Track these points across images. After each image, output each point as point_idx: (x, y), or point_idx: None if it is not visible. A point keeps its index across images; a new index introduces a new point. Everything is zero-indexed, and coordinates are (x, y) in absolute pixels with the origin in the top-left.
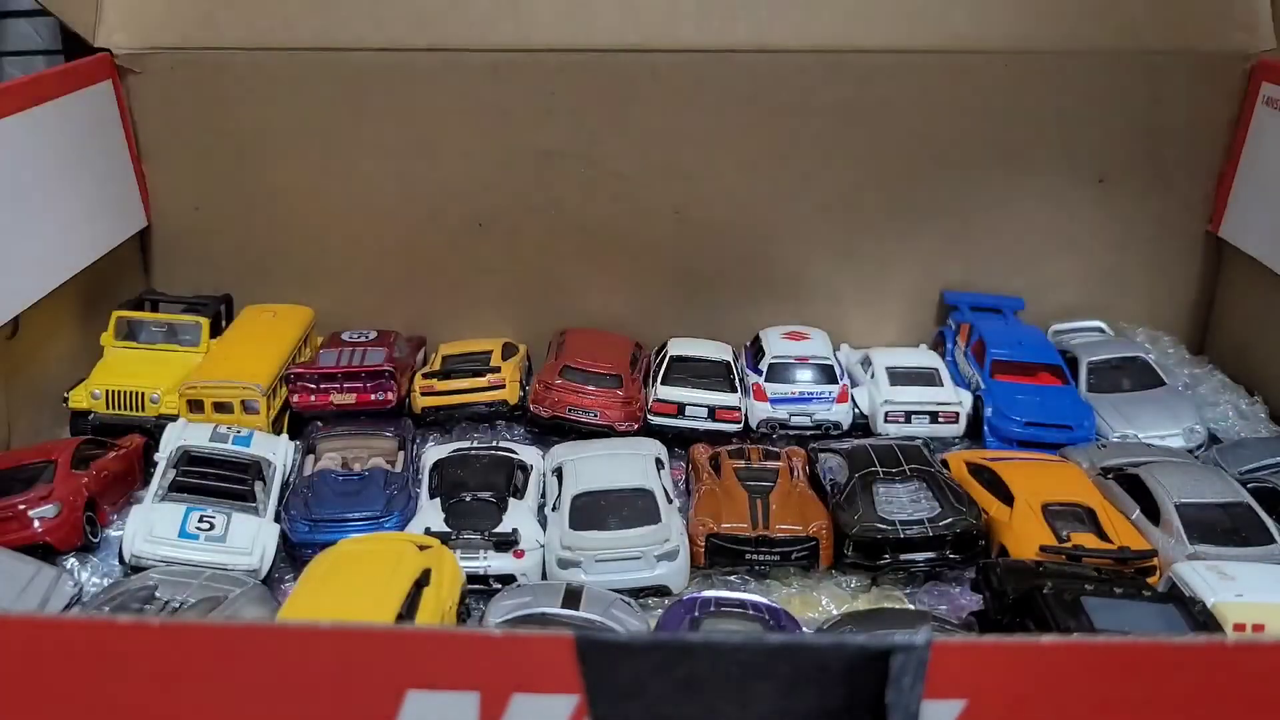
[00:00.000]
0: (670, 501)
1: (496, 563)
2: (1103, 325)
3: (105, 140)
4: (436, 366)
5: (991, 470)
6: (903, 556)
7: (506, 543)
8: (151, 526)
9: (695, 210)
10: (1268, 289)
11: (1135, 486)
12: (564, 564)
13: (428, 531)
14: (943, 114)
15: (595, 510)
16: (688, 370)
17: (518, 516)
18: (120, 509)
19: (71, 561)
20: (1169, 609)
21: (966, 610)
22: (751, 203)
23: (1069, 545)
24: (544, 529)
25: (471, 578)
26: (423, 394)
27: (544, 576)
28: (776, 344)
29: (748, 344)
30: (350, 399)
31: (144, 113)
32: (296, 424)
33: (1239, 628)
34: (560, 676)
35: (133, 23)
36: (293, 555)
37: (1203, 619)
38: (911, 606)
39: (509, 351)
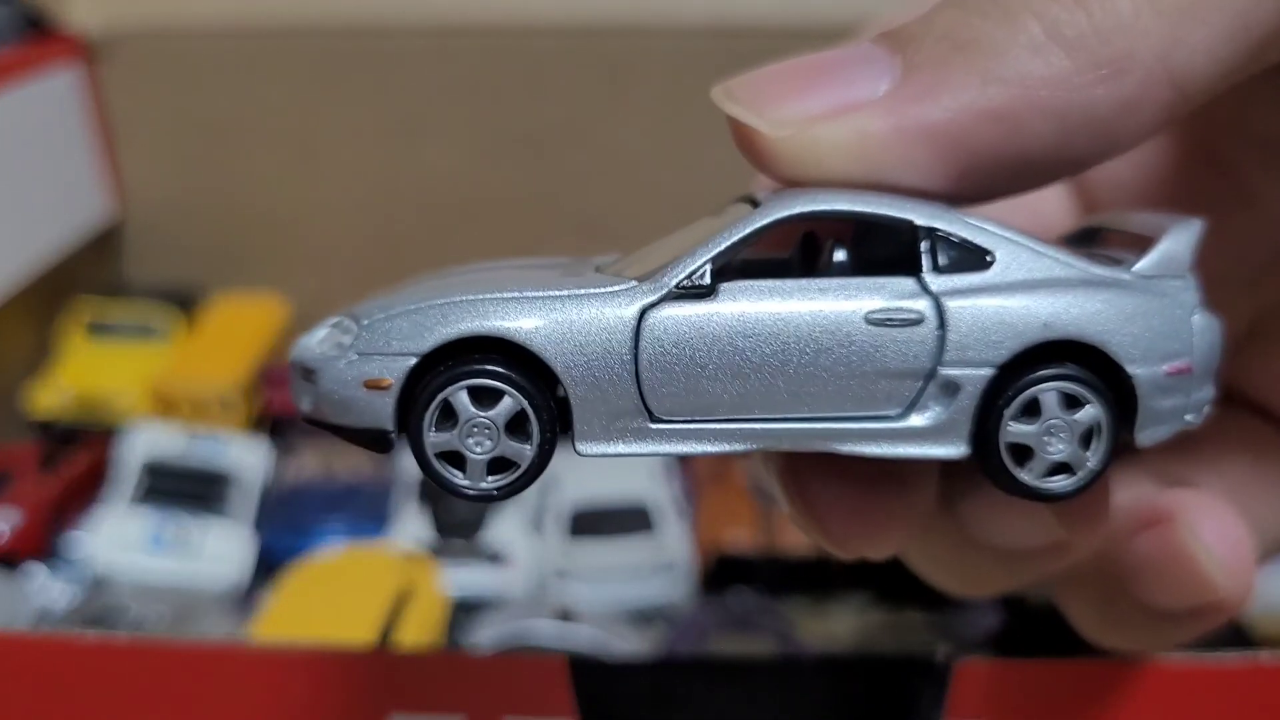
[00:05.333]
0: (673, 511)
1: (485, 576)
2: None
3: (70, 127)
4: None
5: None
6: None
7: (496, 555)
8: (120, 536)
9: (700, 198)
10: None
11: None
12: (557, 577)
13: (413, 542)
14: None
15: (591, 521)
16: None
17: (508, 526)
18: (85, 515)
19: (38, 570)
20: None
21: (986, 629)
22: None
23: None
24: (536, 539)
25: (458, 591)
26: None
27: (536, 591)
28: None
29: None
30: None
31: (116, 98)
32: (274, 426)
33: None
34: (552, 699)
35: (103, 3)
36: (270, 566)
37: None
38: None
39: None
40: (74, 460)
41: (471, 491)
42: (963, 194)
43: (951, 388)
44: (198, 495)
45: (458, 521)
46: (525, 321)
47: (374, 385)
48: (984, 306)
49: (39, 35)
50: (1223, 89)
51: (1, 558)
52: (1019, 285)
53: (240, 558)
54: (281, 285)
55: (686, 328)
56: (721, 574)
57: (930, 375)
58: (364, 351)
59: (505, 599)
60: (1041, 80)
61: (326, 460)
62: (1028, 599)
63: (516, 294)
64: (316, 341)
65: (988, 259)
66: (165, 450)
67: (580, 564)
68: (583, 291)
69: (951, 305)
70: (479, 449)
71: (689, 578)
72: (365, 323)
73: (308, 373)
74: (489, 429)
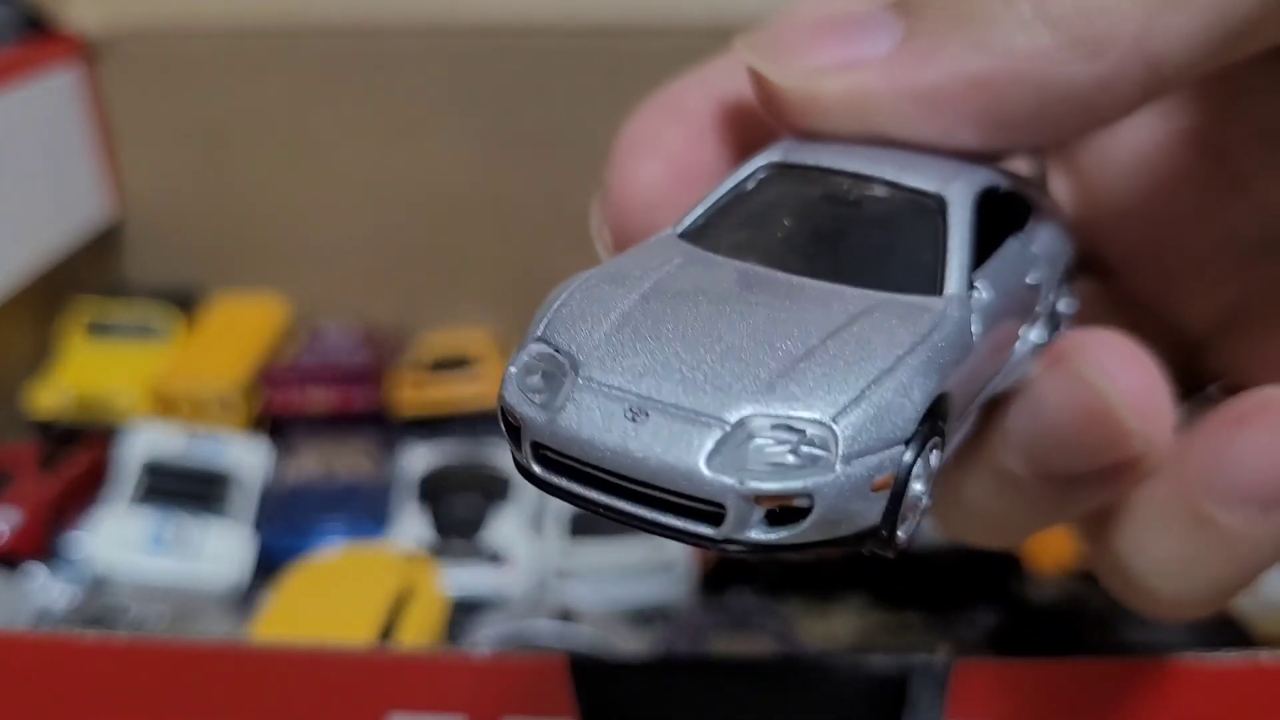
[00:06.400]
0: None
1: (485, 576)
2: None
3: (70, 127)
4: (421, 363)
5: None
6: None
7: (496, 555)
8: (120, 536)
9: None
10: None
11: None
12: (557, 577)
13: (413, 542)
14: None
15: (591, 521)
16: None
17: (508, 526)
18: (85, 515)
19: (38, 570)
20: (1205, 622)
21: (986, 629)
22: None
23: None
24: (536, 539)
25: (458, 591)
26: (408, 394)
27: (536, 591)
28: None
29: None
30: (332, 400)
31: (116, 98)
32: (275, 426)
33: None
34: (552, 699)
35: (103, 3)
36: (270, 566)
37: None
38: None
39: (499, 348)
40: (74, 460)
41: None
42: (957, 154)
43: None
44: (198, 495)
45: (458, 521)
46: (952, 373)
47: (882, 486)
48: None
49: (39, 35)
50: (1199, 74)
51: (1, 558)
52: None
53: (240, 558)
54: (281, 285)
55: None
56: (721, 574)
57: None
58: (854, 455)
59: (505, 599)
60: (1025, 53)
61: (326, 460)
62: (1028, 599)
63: (918, 343)
64: (765, 471)
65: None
66: (165, 450)
67: (580, 564)
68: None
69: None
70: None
71: (689, 578)
72: (843, 425)
73: (786, 511)
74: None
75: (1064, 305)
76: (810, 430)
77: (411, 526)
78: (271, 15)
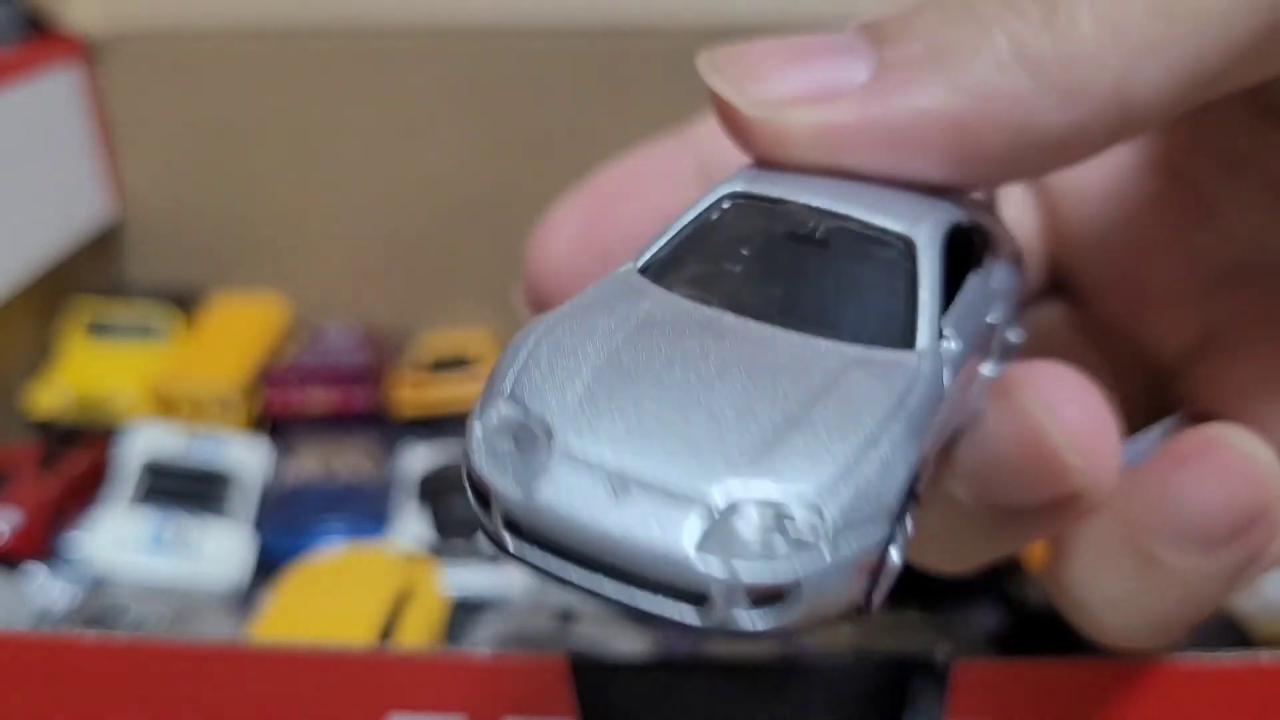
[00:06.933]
0: None
1: (485, 576)
2: None
3: (70, 127)
4: (421, 363)
5: None
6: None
7: (495, 554)
8: (120, 536)
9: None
10: None
11: None
12: None
13: (413, 542)
14: None
15: None
16: None
17: None
18: (85, 515)
19: (38, 570)
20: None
21: (986, 629)
22: None
23: None
24: None
25: (458, 591)
26: (408, 394)
27: (536, 591)
28: None
29: None
30: (332, 400)
31: (116, 98)
32: (275, 426)
33: None
34: (552, 699)
35: (103, 3)
36: (270, 566)
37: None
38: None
39: (499, 348)
40: (74, 460)
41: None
42: (920, 186)
43: None
44: (198, 495)
45: (458, 521)
46: (929, 434)
47: (867, 566)
48: None
49: (39, 35)
50: (1171, 117)
51: (1, 558)
52: None
53: (240, 558)
54: (281, 285)
55: None
56: None
57: None
58: (840, 537)
59: (505, 599)
60: (1002, 96)
61: (326, 460)
62: (1028, 599)
63: (897, 407)
64: (754, 559)
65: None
66: (165, 450)
67: None
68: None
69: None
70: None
71: None
72: (831, 508)
73: (773, 596)
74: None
75: (1013, 335)
76: (799, 516)
77: (411, 526)
78: (272, 16)
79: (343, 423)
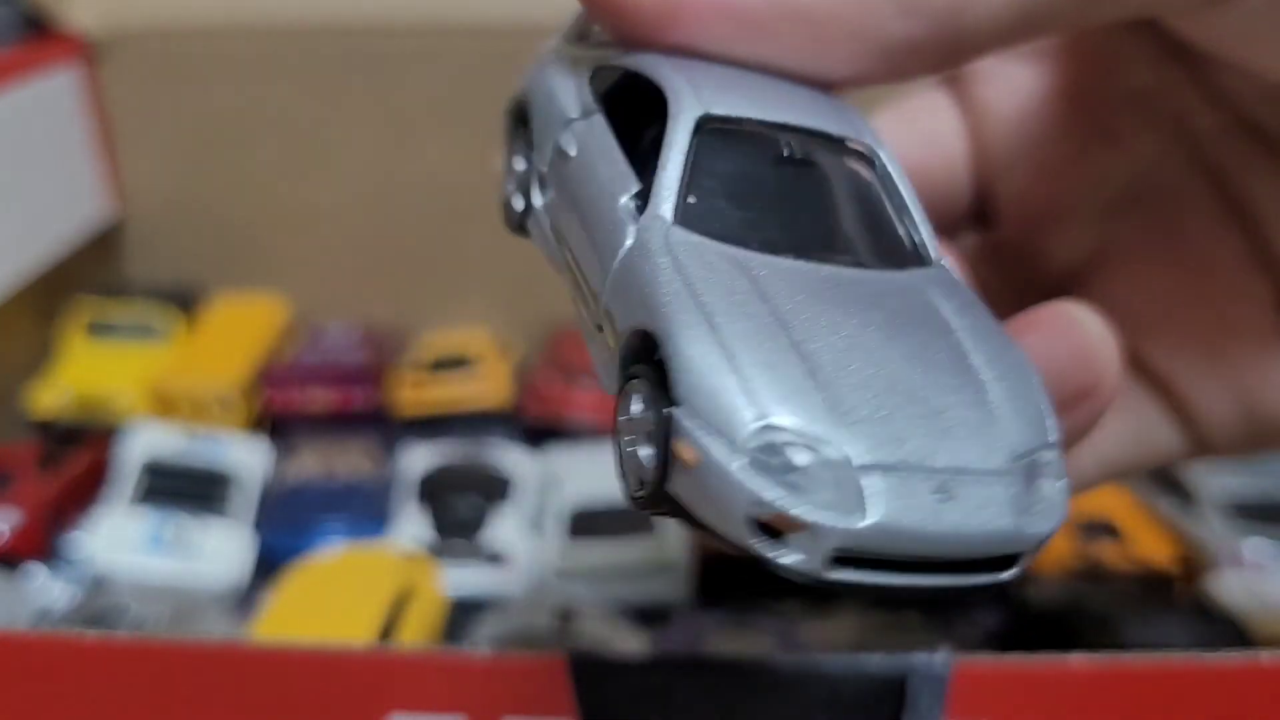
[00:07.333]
0: None
1: (485, 576)
2: None
3: (70, 127)
4: (421, 362)
5: None
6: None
7: (496, 555)
8: (120, 536)
9: None
10: None
11: None
12: (557, 576)
13: (413, 542)
14: None
15: (591, 521)
16: None
17: (507, 526)
18: (85, 515)
19: (38, 570)
20: (1205, 622)
21: (986, 629)
22: None
23: (1092, 563)
24: (536, 539)
25: (458, 591)
26: (408, 394)
27: (536, 591)
28: None
29: None
30: (332, 399)
31: (116, 98)
32: (275, 426)
33: None
34: (552, 699)
35: (103, 3)
36: (270, 566)
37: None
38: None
39: (499, 348)
40: (74, 460)
41: None
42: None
43: None
44: (198, 495)
45: (458, 521)
46: None
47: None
48: None
49: (39, 35)
50: (1004, 48)
51: (1, 558)
52: None
53: (240, 558)
54: (281, 285)
55: None
56: (721, 574)
57: None
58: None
59: (505, 599)
60: (852, 4)
61: (326, 460)
62: (1028, 599)
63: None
64: (1058, 510)
65: None
66: (165, 450)
67: (580, 564)
68: None
69: None
70: None
71: (688, 578)
72: (1058, 450)
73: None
74: None
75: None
76: (1053, 462)
77: (411, 526)
78: (272, 15)
79: (343, 422)
